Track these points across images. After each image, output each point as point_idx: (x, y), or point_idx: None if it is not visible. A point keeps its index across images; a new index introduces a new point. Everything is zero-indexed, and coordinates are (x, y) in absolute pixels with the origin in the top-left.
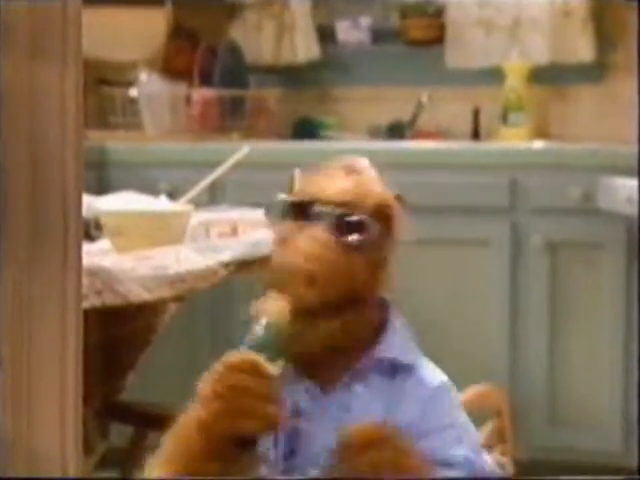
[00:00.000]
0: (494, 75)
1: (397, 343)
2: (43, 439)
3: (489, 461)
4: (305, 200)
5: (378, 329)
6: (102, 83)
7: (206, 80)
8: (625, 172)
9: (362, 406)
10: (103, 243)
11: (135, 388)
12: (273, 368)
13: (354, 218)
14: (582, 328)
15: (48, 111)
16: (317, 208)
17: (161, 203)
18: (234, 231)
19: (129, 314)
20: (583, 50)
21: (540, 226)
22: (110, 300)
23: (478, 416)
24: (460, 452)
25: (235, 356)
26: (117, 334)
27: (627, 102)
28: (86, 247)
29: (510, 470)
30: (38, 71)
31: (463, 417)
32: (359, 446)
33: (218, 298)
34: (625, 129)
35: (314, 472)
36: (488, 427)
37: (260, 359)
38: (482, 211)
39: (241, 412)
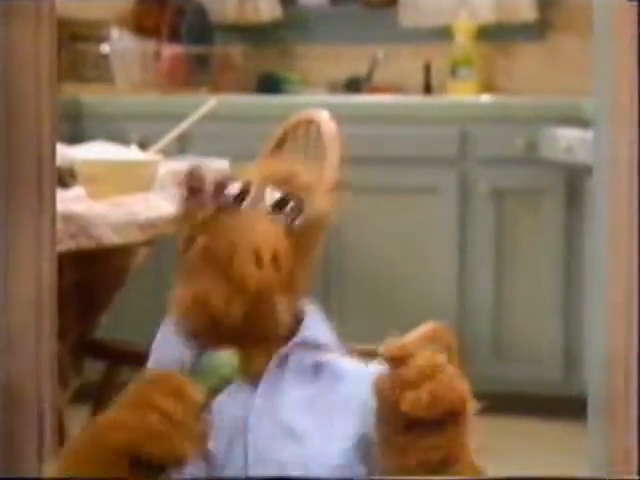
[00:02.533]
0: (444, 33)
1: (320, 327)
2: (19, 374)
3: None
4: (241, 190)
5: (298, 318)
6: (76, 40)
7: (174, 37)
8: (566, 123)
9: (293, 387)
10: (77, 190)
11: (108, 327)
12: (198, 395)
13: (289, 198)
14: (525, 269)
15: (23, 66)
16: (250, 192)
17: (132, 153)
18: None
19: (102, 257)
20: (526, 10)
21: (487, 175)
22: (84, 243)
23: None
24: None
25: (161, 372)
26: (91, 276)
27: (567, 58)
28: (61, 194)
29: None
30: (13, 29)
31: None
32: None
33: None
34: (565, 83)
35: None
36: None
37: (187, 382)
38: (433, 161)
39: (144, 431)
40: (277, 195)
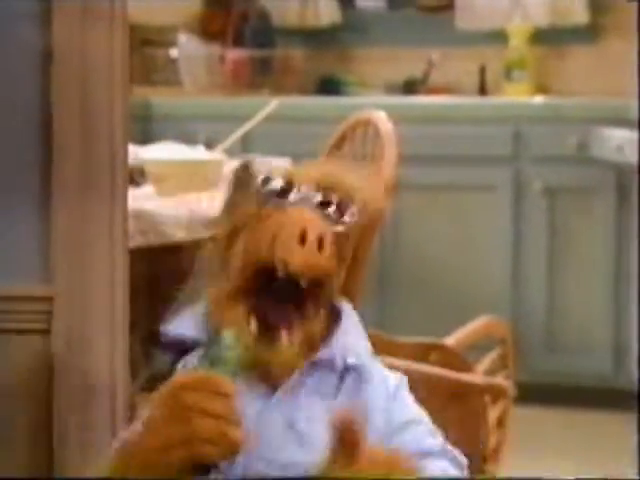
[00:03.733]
0: (498, 36)
1: (349, 341)
2: (95, 362)
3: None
4: (285, 185)
5: (331, 325)
6: (146, 45)
7: (238, 41)
8: (616, 123)
9: (313, 402)
10: (147, 189)
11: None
12: (230, 384)
13: (331, 202)
14: (578, 264)
15: (97, 68)
16: (298, 193)
17: (198, 152)
18: None
19: (170, 252)
20: (578, 13)
21: (540, 173)
22: (153, 240)
23: (484, 344)
24: (435, 442)
25: (188, 375)
26: (159, 270)
27: (617, 60)
28: (132, 192)
29: (512, 391)
30: (88, 32)
31: (423, 412)
32: None
33: None
34: (615, 85)
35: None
36: (493, 354)
37: (216, 376)
38: (488, 160)
39: (200, 437)
40: (319, 197)
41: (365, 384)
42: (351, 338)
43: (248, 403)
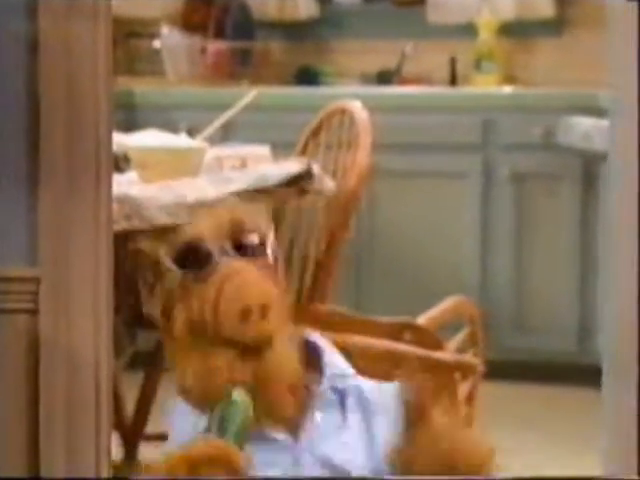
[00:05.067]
0: (468, 30)
1: (338, 359)
2: (80, 341)
3: None
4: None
5: (310, 353)
6: (130, 36)
7: (219, 34)
8: (582, 112)
9: (333, 431)
10: (131, 175)
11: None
12: (243, 459)
13: (254, 241)
14: (544, 247)
15: (82, 59)
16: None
17: (181, 140)
18: (243, 165)
19: (154, 236)
20: (544, 7)
21: (508, 160)
22: (137, 224)
23: (454, 324)
24: None
25: (201, 448)
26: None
27: (582, 52)
28: (116, 178)
29: (481, 368)
30: (73, 24)
31: None
32: None
33: None
34: (581, 75)
35: None
36: (463, 333)
37: (230, 447)
38: (458, 147)
39: None
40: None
41: (367, 395)
42: (334, 364)
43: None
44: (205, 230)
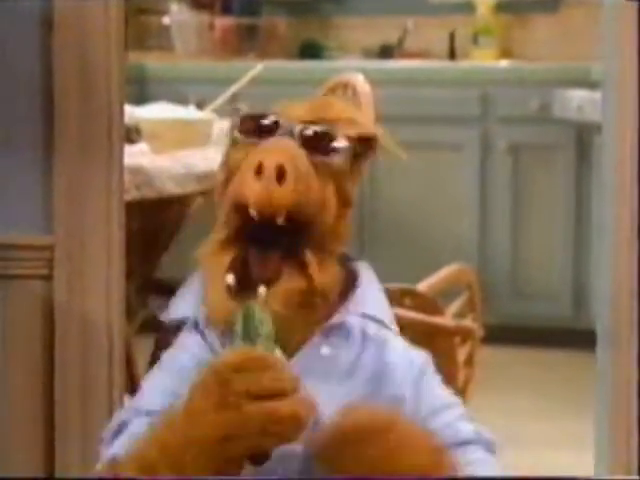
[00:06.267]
0: (467, 6)
1: (369, 307)
2: (93, 306)
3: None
4: (268, 116)
5: (346, 287)
6: (141, 13)
7: (226, 10)
8: (576, 85)
9: (329, 372)
10: (142, 146)
11: (168, 266)
12: (278, 358)
13: (331, 138)
14: (540, 216)
15: (95, 35)
16: (284, 124)
17: (190, 112)
18: None
19: (164, 205)
20: None
21: (505, 132)
22: (148, 193)
23: (453, 290)
24: (469, 427)
25: (229, 356)
26: (153, 222)
27: (576, 27)
28: (127, 149)
29: (479, 333)
30: (86, 3)
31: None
32: (355, 439)
33: None
34: (575, 50)
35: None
36: (462, 299)
37: (260, 352)
38: (457, 120)
39: (271, 419)
40: (299, 128)
41: (387, 360)
42: (370, 304)
43: None
44: (288, 108)
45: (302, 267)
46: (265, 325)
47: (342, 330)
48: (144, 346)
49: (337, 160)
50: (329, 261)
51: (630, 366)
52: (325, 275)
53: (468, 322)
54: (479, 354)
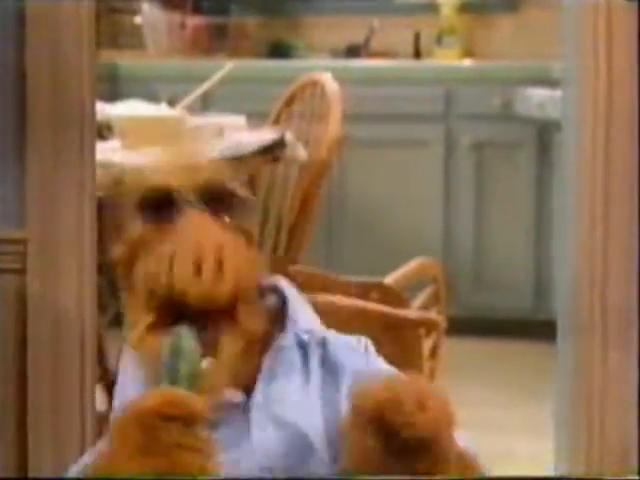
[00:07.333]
0: (431, 7)
1: (301, 319)
2: (65, 299)
3: None
4: (163, 194)
5: (277, 307)
6: (113, 12)
7: (197, 9)
8: (537, 83)
9: (287, 386)
10: (113, 142)
11: None
12: (201, 403)
13: (225, 195)
14: (502, 211)
15: (68, 34)
16: (179, 198)
17: (161, 110)
18: (220, 133)
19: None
20: None
21: (468, 129)
22: (119, 189)
23: (418, 283)
24: None
25: (155, 397)
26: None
27: (537, 27)
28: (100, 145)
29: (444, 325)
30: (58, 2)
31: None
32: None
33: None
34: (535, 49)
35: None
36: (426, 292)
37: (185, 396)
38: (422, 117)
39: (179, 471)
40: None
41: (334, 353)
42: (301, 315)
43: (226, 413)
44: (177, 180)
45: (236, 325)
46: (190, 359)
47: (284, 352)
48: (116, 339)
49: (241, 209)
50: (255, 300)
51: (591, 353)
52: (256, 319)
53: (433, 314)
54: (443, 345)
